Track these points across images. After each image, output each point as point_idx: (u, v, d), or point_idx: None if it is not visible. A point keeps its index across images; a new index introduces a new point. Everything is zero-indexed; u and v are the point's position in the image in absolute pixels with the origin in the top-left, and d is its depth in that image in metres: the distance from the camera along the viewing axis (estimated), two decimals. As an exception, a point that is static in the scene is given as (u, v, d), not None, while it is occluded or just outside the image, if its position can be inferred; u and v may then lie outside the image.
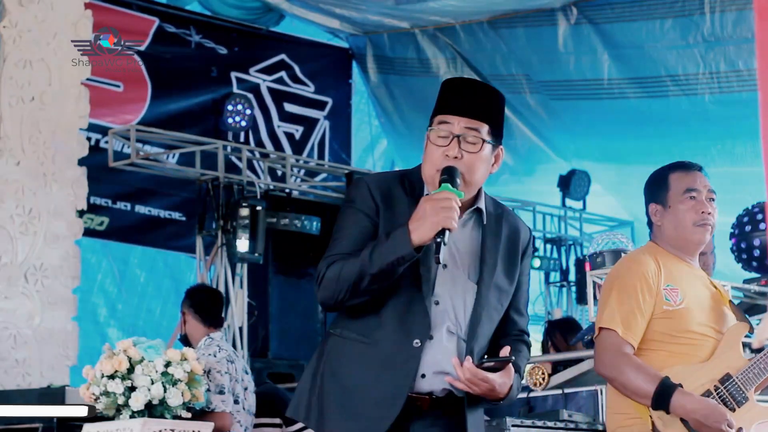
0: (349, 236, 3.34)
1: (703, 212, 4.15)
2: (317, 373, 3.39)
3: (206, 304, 6.54)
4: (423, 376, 3.31)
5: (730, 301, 4.29)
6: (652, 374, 3.97)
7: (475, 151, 3.33)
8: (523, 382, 7.54)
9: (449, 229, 3.20)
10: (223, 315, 6.68)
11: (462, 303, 3.36)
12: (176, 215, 10.72)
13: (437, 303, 3.33)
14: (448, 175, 3.28)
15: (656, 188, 4.24)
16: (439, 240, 3.20)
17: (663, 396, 3.94)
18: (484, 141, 3.33)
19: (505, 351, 3.32)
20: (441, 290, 3.34)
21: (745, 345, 6.36)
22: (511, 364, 3.33)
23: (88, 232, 10.05)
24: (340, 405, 3.31)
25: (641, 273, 4.07)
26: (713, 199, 4.20)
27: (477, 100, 3.36)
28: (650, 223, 4.28)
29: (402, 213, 3.32)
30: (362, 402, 3.29)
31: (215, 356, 6.13)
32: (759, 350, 6.21)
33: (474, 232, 3.41)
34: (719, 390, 4.09)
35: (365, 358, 3.31)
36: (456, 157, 3.31)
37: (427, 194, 3.34)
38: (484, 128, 3.34)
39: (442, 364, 3.32)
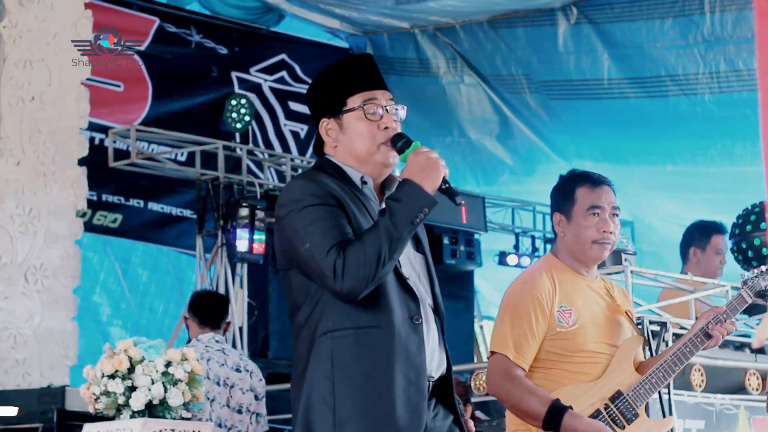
0: (333, 225, 3.21)
1: (604, 231, 4.23)
2: (321, 378, 3.21)
3: (201, 306, 6.62)
4: None
5: (627, 312, 4.33)
6: (542, 396, 4.05)
7: (401, 119, 3.41)
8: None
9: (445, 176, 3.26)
10: (222, 317, 6.68)
11: (420, 274, 3.38)
12: (188, 213, 10.72)
13: (407, 279, 3.32)
14: (405, 138, 3.32)
15: (562, 199, 4.34)
16: (445, 186, 3.25)
17: (553, 418, 4.01)
18: (400, 108, 3.41)
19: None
20: (405, 268, 3.33)
21: (744, 345, 6.38)
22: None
23: (101, 230, 10.07)
24: (367, 407, 3.18)
25: (535, 296, 4.14)
26: (617, 215, 4.29)
27: (379, 73, 3.44)
28: (554, 232, 4.37)
29: (351, 199, 3.28)
30: (390, 397, 3.18)
31: None
32: (759, 350, 6.24)
33: None
34: (609, 409, 4.16)
35: (379, 346, 3.19)
36: (393, 128, 3.35)
37: (362, 177, 3.35)
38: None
39: (433, 339, 3.32)
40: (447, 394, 3.37)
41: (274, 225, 3.41)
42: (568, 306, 4.16)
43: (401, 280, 3.28)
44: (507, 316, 4.15)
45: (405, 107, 3.43)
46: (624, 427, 4.14)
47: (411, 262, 3.37)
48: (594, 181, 4.31)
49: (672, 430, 4.38)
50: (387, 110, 3.35)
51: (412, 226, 3.18)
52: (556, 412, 4.01)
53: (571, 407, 4.04)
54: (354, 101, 3.34)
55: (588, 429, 4.02)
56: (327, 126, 3.38)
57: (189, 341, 6.66)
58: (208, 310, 6.63)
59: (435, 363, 3.32)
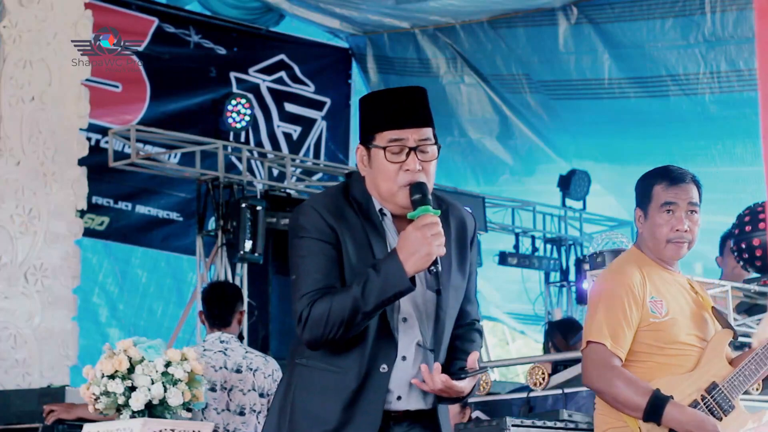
0: (319, 268, 3.25)
1: (677, 229, 4.17)
2: (286, 407, 3.30)
3: (209, 304, 6.54)
4: (399, 398, 3.29)
5: (713, 306, 4.30)
6: (642, 387, 4.00)
7: (432, 159, 3.30)
8: (523, 381, 7.54)
9: (440, 256, 3.17)
10: (231, 313, 6.58)
11: (425, 314, 3.32)
12: (175, 215, 10.71)
13: (405, 320, 3.29)
14: (421, 194, 3.23)
15: (641, 194, 4.29)
16: (433, 269, 3.17)
17: (655, 409, 3.97)
18: (436, 146, 3.31)
19: (473, 361, 3.31)
20: (405, 306, 3.29)
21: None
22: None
23: (89, 233, 10.03)
24: None
25: (627, 285, 4.09)
26: (694, 211, 4.22)
27: (418, 107, 3.31)
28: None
29: (358, 236, 3.26)
30: None
31: None
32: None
33: None
34: (706, 400, 4.12)
35: (336, 388, 3.24)
36: (419, 170, 3.25)
37: (380, 209, 3.30)
38: (431, 132, 3.31)
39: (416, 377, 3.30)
40: (428, 417, 3.34)
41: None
42: (659, 297, 4.12)
43: (384, 324, 3.26)
44: (600, 306, 4.08)
45: (439, 146, 3.32)
46: (721, 419, 4.10)
47: (415, 300, 3.32)
48: (672, 177, 4.25)
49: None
50: (415, 150, 3.25)
51: (382, 304, 3.17)
52: (658, 402, 3.96)
53: (672, 397, 4.00)
54: (381, 139, 3.27)
55: (690, 419, 3.99)
56: (361, 153, 3.35)
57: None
58: (216, 309, 6.55)
59: (414, 402, 3.31)
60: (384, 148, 3.26)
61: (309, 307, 3.20)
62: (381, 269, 3.15)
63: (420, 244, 3.14)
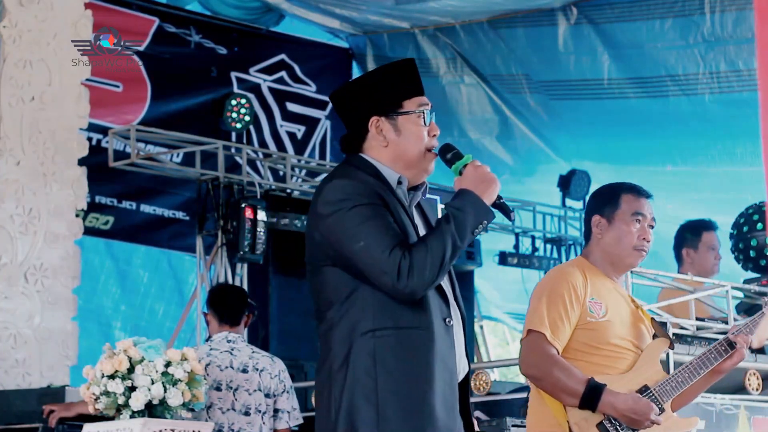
0: (387, 226, 3.27)
1: (644, 239, 4.35)
2: (364, 376, 3.24)
3: (220, 302, 6.56)
4: None
5: (653, 319, 4.44)
6: (579, 375, 4.14)
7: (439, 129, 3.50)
8: (523, 382, 7.53)
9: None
10: (241, 313, 6.59)
11: (445, 283, 3.42)
12: (181, 215, 10.71)
13: None
14: (455, 149, 3.44)
15: (605, 202, 4.41)
16: (500, 201, 3.38)
17: (592, 395, 4.11)
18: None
19: None
20: None
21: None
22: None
23: (93, 231, 10.05)
24: (410, 406, 3.23)
25: (570, 283, 4.25)
26: (653, 227, 4.40)
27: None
28: (587, 235, 4.44)
29: (391, 200, 3.34)
30: (431, 397, 3.24)
31: None
32: (759, 350, 6.24)
33: (417, 209, 3.52)
34: None
35: (420, 347, 3.26)
36: (438, 135, 3.47)
37: (399, 177, 3.40)
38: None
39: (461, 341, 3.39)
40: (462, 399, 3.41)
41: (311, 221, 3.38)
42: (599, 299, 4.27)
43: None
44: (543, 298, 4.22)
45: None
46: None
47: None
48: (638, 191, 4.42)
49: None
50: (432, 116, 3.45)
51: (471, 235, 3.30)
52: (594, 389, 4.11)
53: (605, 385, 4.13)
54: (410, 105, 3.41)
55: (627, 402, 4.13)
56: (379, 125, 3.40)
57: (209, 338, 6.63)
58: (226, 306, 6.56)
59: (461, 366, 3.39)
60: (418, 113, 3.41)
61: (407, 256, 3.22)
62: (463, 207, 3.30)
63: (485, 178, 3.34)
